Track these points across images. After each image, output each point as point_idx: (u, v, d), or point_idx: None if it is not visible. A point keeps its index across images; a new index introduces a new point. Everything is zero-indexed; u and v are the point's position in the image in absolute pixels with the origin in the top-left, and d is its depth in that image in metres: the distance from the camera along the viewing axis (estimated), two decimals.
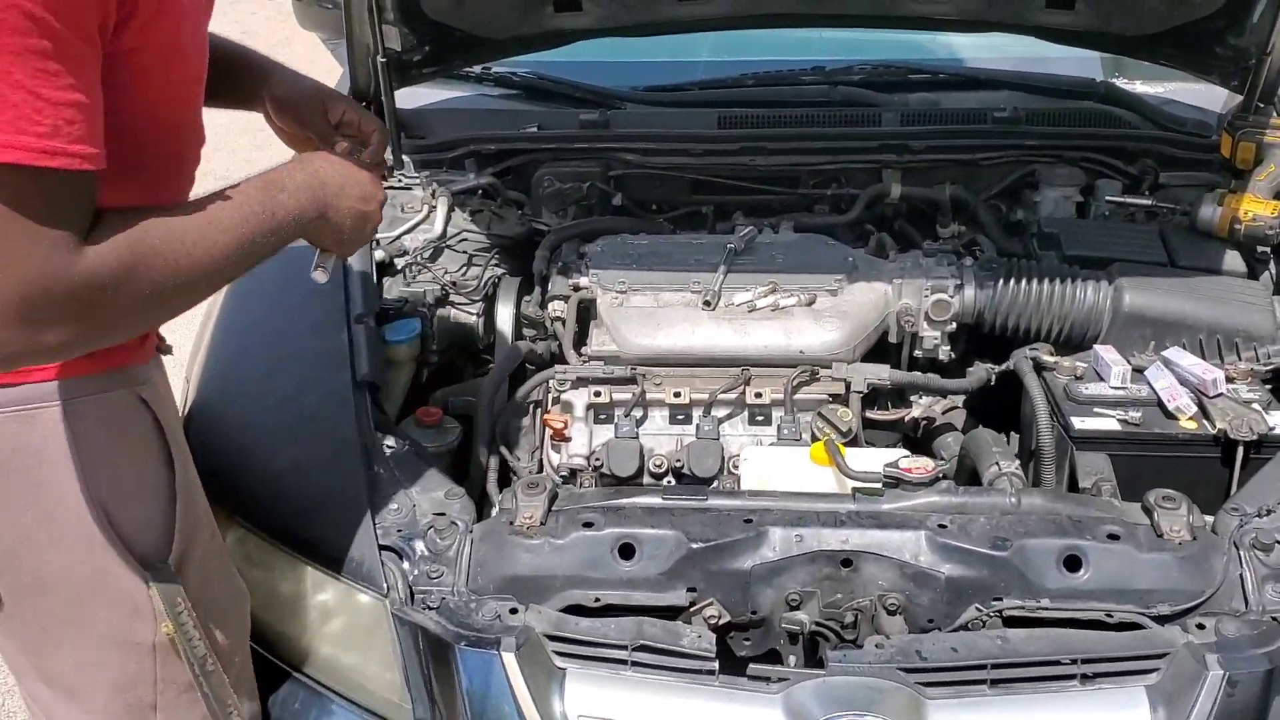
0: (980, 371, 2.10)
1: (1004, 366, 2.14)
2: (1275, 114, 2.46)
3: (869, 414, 2.02)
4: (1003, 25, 2.45)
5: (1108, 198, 2.41)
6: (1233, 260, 2.21)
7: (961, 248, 2.27)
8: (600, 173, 2.54)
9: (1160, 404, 1.89)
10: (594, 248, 2.26)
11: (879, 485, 1.70)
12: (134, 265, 1.16)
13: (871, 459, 1.79)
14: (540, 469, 2.01)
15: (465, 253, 2.35)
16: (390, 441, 1.86)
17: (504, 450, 2.00)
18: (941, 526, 1.62)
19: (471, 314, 2.26)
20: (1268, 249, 2.23)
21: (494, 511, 1.75)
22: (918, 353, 2.15)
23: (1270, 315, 2.05)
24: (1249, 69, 2.36)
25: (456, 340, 2.28)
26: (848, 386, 2.00)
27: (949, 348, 2.16)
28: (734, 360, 2.01)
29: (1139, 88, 2.73)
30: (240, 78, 1.64)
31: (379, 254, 2.26)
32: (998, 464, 1.74)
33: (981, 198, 2.57)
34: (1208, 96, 2.70)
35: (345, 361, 1.92)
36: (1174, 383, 1.90)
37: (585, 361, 2.05)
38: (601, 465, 1.95)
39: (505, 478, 2.02)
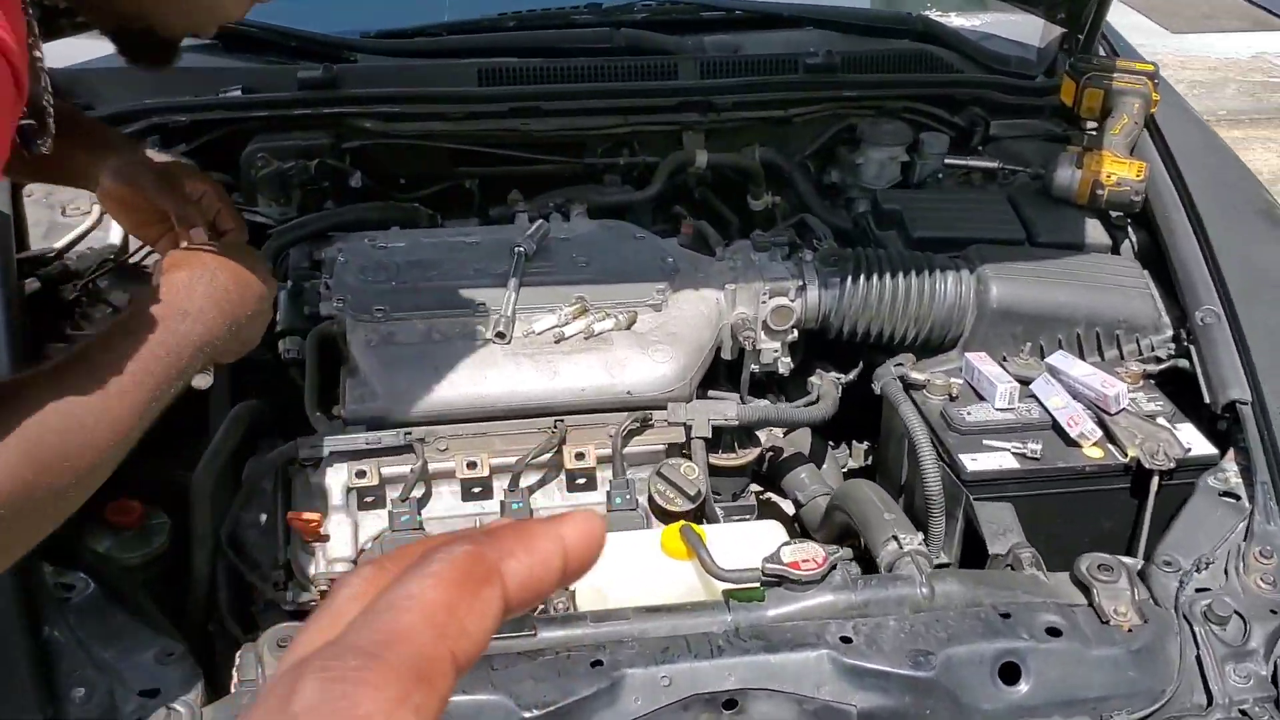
0: (830, 390, 1.72)
1: (851, 376, 1.78)
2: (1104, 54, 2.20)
3: (712, 459, 1.60)
4: None
5: (947, 160, 2.06)
6: (1094, 231, 1.92)
7: (793, 232, 1.86)
8: (330, 146, 1.99)
9: (1055, 426, 1.57)
10: (332, 253, 1.72)
11: (757, 585, 1.30)
12: (32, 482, 0.91)
13: (739, 543, 1.38)
14: (289, 582, 1.48)
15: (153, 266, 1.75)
16: (69, 579, 1.30)
17: (235, 558, 1.47)
18: (845, 640, 1.24)
19: None
20: (1126, 217, 1.95)
21: (232, 683, 1.22)
22: (754, 367, 1.75)
23: (1150, 299, 1.77)
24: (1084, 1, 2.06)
25: None
26: (688, 432, 1.57)
27: (789, 359, 1.77)
28: (543, 409, 1.54)
29: (955, 21, 2.40)
30: (72, 154, 1.23)
31: (32, 283, 1.64)
32: (896, 538, 1.37)
33: (795, 160, 2.18)
34: (1024, 29, 2.41)
35: None
36: (1069, 400, 1.59)
37: (338, 424, 1.52)
38: None
39: (241, 592, 1.49)
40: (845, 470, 1.86)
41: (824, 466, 1.78)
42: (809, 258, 1.75)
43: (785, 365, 1.76)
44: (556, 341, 1.57)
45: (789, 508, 1.77)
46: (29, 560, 1.25)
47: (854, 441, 1.90)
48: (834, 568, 1.30)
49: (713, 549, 1.34)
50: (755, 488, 1.70)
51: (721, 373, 1.77)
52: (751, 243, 1.79)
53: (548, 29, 2.17)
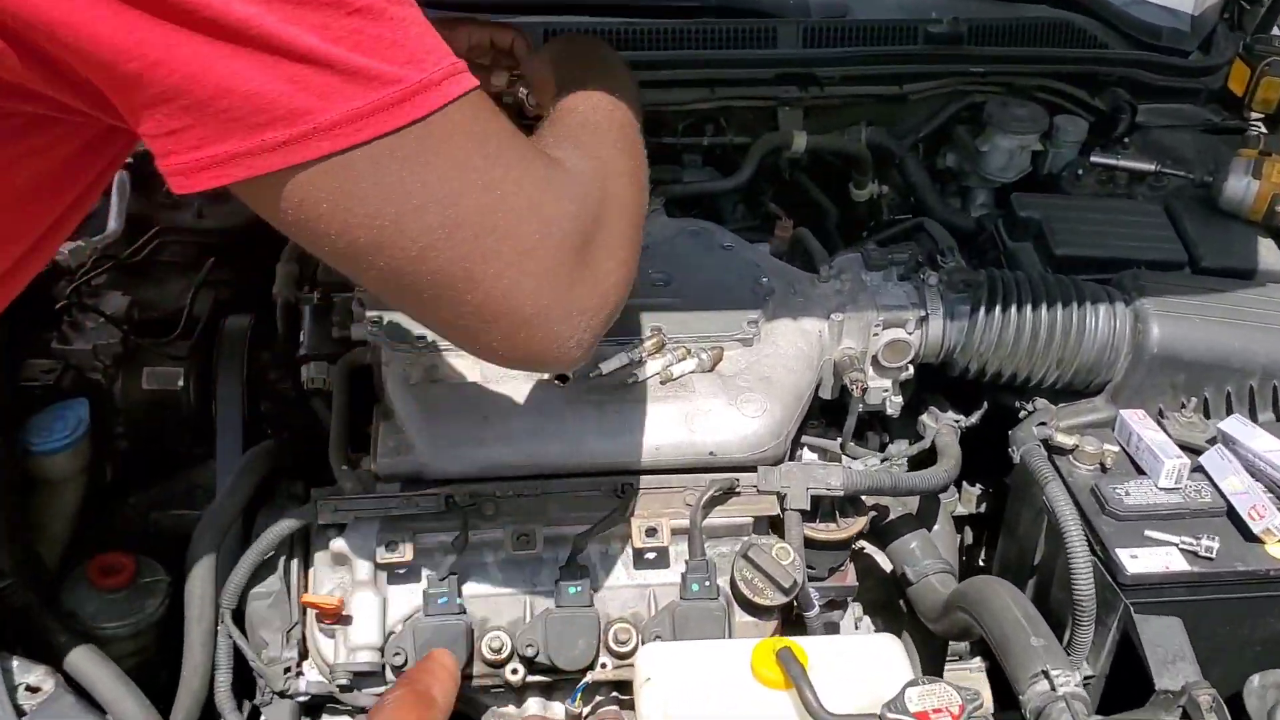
0: (950, 442, 1.45)
1: (973, 420, 1.51)
2: None
3: (808, 529, 1.34)
4: None
5: (1094, 158, 1.75)
6: (1269, 255, 1.61)
7: (916, 248, 1.57)
8: None
9: (1231, 513, 1.29)
10: None
11: None
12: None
13: (850, 667, 1.13)
14: (300, 668, 1.25)
15: (160, 263, 1.50)
16: (29, 679, 1.08)
17: (239, 640, 1.23)
18: None
19: (176, 371, 1.43)
20: None
21: None
22: (861, 391, 1.47)
23: None
24: None
25: (153, 413, 1.45)
26: (781, 502, 1.30)
27: (900, 397, 1.49)
28: (608, 469, 1.28)
29: None
30: None
31: None
32: (1047, 674, 1.10)
33: (907, 143, 1.88)
34: None
35: None
36: (1249, 483, 1.30)
37: (366, 475, 1.27)
38: (403, 661, 1.21)
39: (247, 678, 1.26)
40: (954, 514, 1.59)
41: (936, 527, 1.51)
42: (932, 280, 1.46)
43: (895, 406, 1.48)
44: (627, 386, 1.30)
45: (886, 562, 1.50)
46: None
47: (964, 483, 1.63)
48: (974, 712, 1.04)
49: (816, 672, 1.09)
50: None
51: (814, 407, 1.49)
52: (863, 259, 1.50)
53: None
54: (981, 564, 1.65)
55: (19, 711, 1.06)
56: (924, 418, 1.53)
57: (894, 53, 1.80)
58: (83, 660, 1.17)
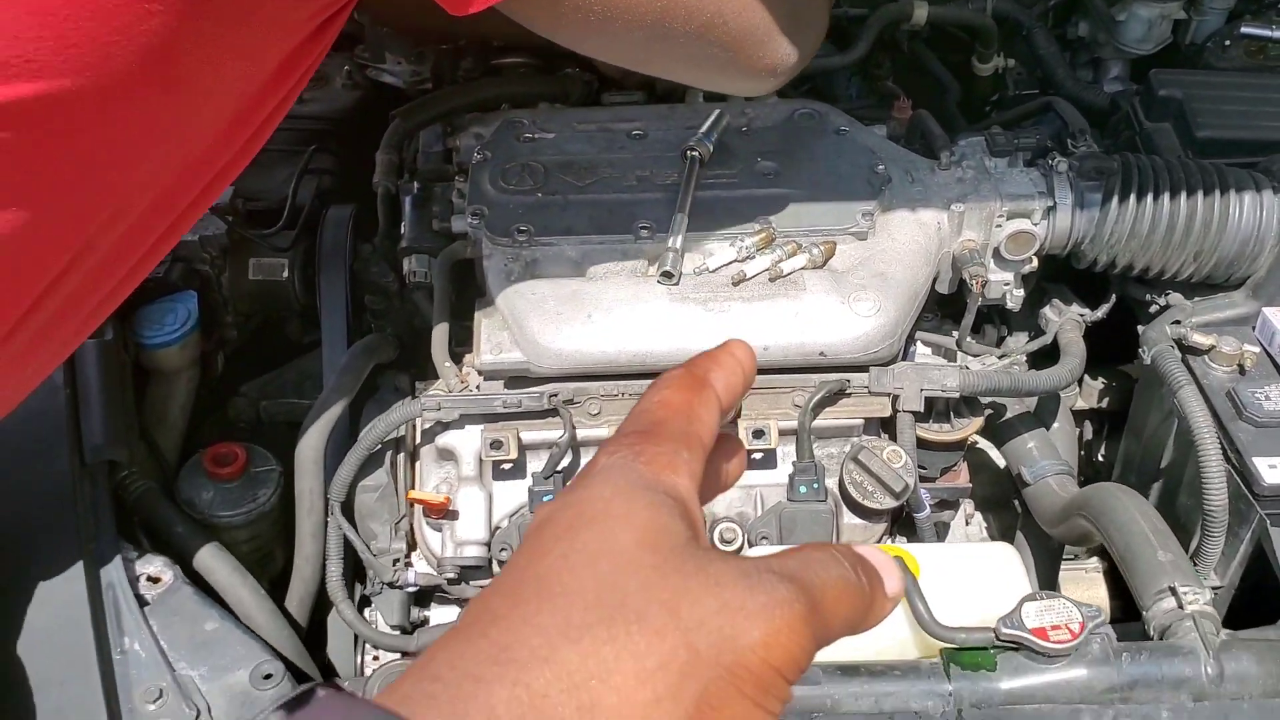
0: (1074, 338, 1.38)
1: (1100, 314, 1.43)
2: None
3: (921, 430, 1.29)
4: None
5: (1244, 28, 1.60)
6: None
7: (1044, 133, 1.47)
8: None
9: None
10: (469, 143, 1.42)
11: (987, 649, 1.01)
12: None
13: (963, 576, 1.10)
14: (409, 559, 1.26)
15: (263, 150, 1.47)
16: (150, 570, 1.11)
17: (348, 529, 1.25)
18: None
19: (281, 262, 1.43)
20: None
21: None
22: (981, 288, 1.40)
23: None
24: None
25: (260, 303, 1.46)
26: (894, 403, 1.26)
27: (1022, 290, 1.42)
28: None
29: None
30: None
31: None
32: (1174, 591, 1.05)
33: (1036, 11, 1.75)
34: None
35: (61, 432, 1.12)
36: None
37: (473, 379, 1.26)
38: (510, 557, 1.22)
39: (357, 568, 1.28)
40: (1074, 409, 1.53)
41: (1055, 424, 1.45)
42: (1062, 167, 1.37)
43: (1016, 300, 1.41)
44: (735, 283, 1.26)
45: (999, 458, 1.46)
46: (104, 559, 1.05)
47: (1086, 376, 1.56)
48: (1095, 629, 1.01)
49: (928, 582, 1.06)
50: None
51: (930, 300, 1.43)
52: (986, 143, 1.41)
53: None
54: (1101, 459, 1.59)
55: (141, 601, 1.09)
56: (1046, 310, 1.46)
57: None
58: (200, 550, 1.20)
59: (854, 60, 1.67)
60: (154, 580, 1.10)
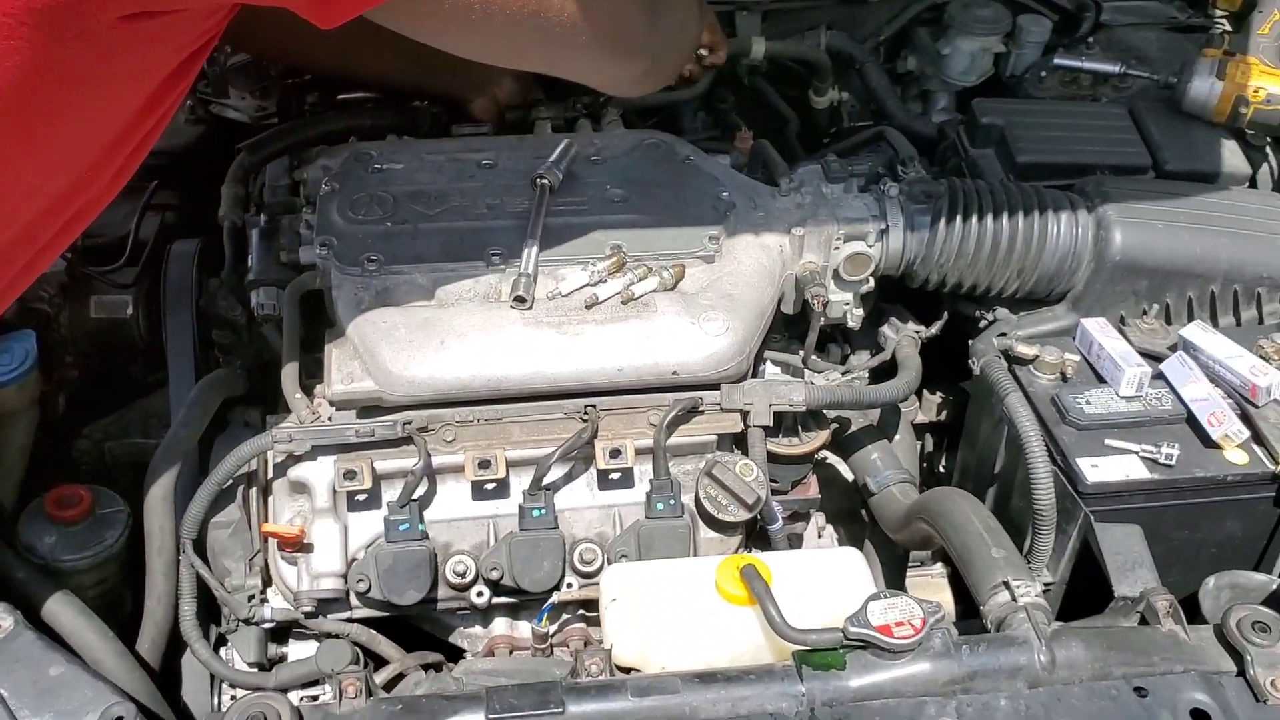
0: (910, 352, 1.45)
1: (933, 330, 1.51)
2: None
3: (770, 444, 1.34)
4: None
5: (1057, 60, 1.72)
6: (1231, 157, 1.60)
7: (876, 162, 1.54)
8: None
9: (1191, 420, 1.30)
10: (316, 174, 1.42)
11: (836, 649, 1.05)
12: None
13: (812, 582, 1.13)
14: (264, 595, 1.24)
15: None
16: None
17: (202, 569, 1.22)
18: None
19: (124, 299, 1.39)
20: (1266, 138, 1.62)
21: None
22: (822, 307, 1.46)
23: None
24: None
25: (102, 342, 1.42)
26: (745, 419, 1.30)
27: (861, 309, 1.48)
28: (570, 391, 1.27)
29: None
30: None
31: None
32: (1008, 585, 1.11)
33: (868, 47, 1.84)
34: None
35: None
36: (1209, 391, 1.31)
37: (324, 410, 1.25)
38: (367, 588, 1.21)
39: (211, 607, 1.25)
40: (915, 422, 1.60)
41: (897, 436, 1.52)
42: (893, 192, 1.44)
43: (856, 318, 1.48)
44: (588, 307, 1.28)
45: (848, 472, 1.51)
46: None
47: (924, 391, 1.63)
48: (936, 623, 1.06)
49: (779, 588, 1.09)
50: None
51: (777, 321, 1.48)
52: (823, 170, 1.47)
53: None
54: (942, 470, 1.66)
55: None
56: (884, 329, 1.53)
57: None
58: (44, 597, 1.15)
59: (698, 94, 1.73)
60: None
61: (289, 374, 1.26)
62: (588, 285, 1.30)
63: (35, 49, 0.78)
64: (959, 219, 1.42)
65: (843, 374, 1.47)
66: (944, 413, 1.63)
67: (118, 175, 0.98)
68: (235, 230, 1.41)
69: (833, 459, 1.52)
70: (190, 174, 1.52)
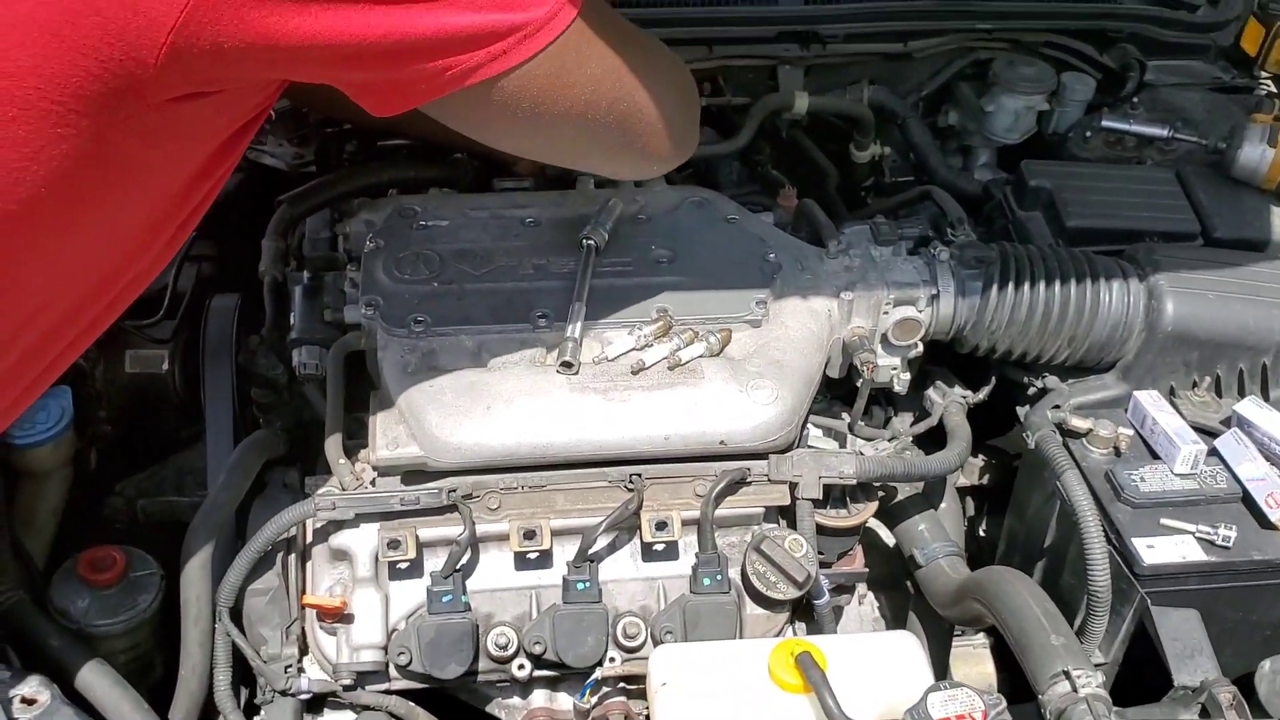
0: (959, 421, 1.42)
1: (981, 396, 1.48)
2: None
3: (818, 516, 1.31)
4: None
5: (1104, 122, 1.70)
6: None
7: (926, 224, 1.52)
8: None
9: (1247, 499, 1.27)
10: (359, 229, 1.40)
11: None
12: None
13: (868, 668, 1.11)
14: (301, 665, 1.21)
15: None
16: (25, 690, 1.04)
17: (238, 638, 1.20)
18: None
19: (160, 354, 1.37)
20: None
21: None
22: (871, 373, 1.43)
23: None
24: None
25: (137, 397, 1.40)
26: (793, 491, 1.27)
27: (909, 375, 1.46)
28: (616, 458, 1.24)
29: None
30: None
31: None
32: (1068, 675, 1.08)
33: (910, 101, 1.82)
34: None
35: None
36: (1266, 469, 1.28)
37: (367, 475, 1.22)
38: (408, 661, 1.18)
39: (247, 676, 1.23)
40: (957, 486, 1.57)
41: (943, 505, 1.49)
42: (944, 256, 1.42)
43: (903, 383, 1.45)
44: (634, 372, 1.26)
45: (889, 536, 1.48)
46: None
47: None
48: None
49: (834, 674, 1.06)
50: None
51: (819, 399, 1.45)
52: (872, 232, 1.45)
53: None
54: (983, 534, 1.64)
55: None
56: (930, 392, 1.50)
57: (899, 9, 1.73)
58: (78, 665, 1.13)
59: (737, 148, 1.71)
60: (29, 702, 1.03)
61: (331, 438, 1.24)
62: (634, 350, 1.28)
63: (84, 135, 0.77)
64: (1011, 285, 1.40)
65: (889, 439, 1.44)
66: (986, 476, 1.61)
67: (165, 250, 0.96)
68: (276, 286, 1.39)
69: (873, 522, 1.49)
70: (227, 223, 1.50)
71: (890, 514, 1.44)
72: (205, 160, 0.92)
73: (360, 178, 1.50)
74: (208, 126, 0.89)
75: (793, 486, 1.27)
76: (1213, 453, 1.32)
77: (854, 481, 1.29)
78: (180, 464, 1.40)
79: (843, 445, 1.41)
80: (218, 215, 1.52)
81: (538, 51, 0.92)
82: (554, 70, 0.96)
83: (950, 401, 1.47)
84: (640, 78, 1.11)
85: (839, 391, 1.47)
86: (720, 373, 1.27)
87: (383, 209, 1.42)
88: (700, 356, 1.29)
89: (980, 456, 1.60)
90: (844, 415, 1.43)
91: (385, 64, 0.86)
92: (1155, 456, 1.32)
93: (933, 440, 1.45)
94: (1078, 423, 1.33)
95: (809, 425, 1.40)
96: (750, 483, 1.27)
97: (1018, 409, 1.47)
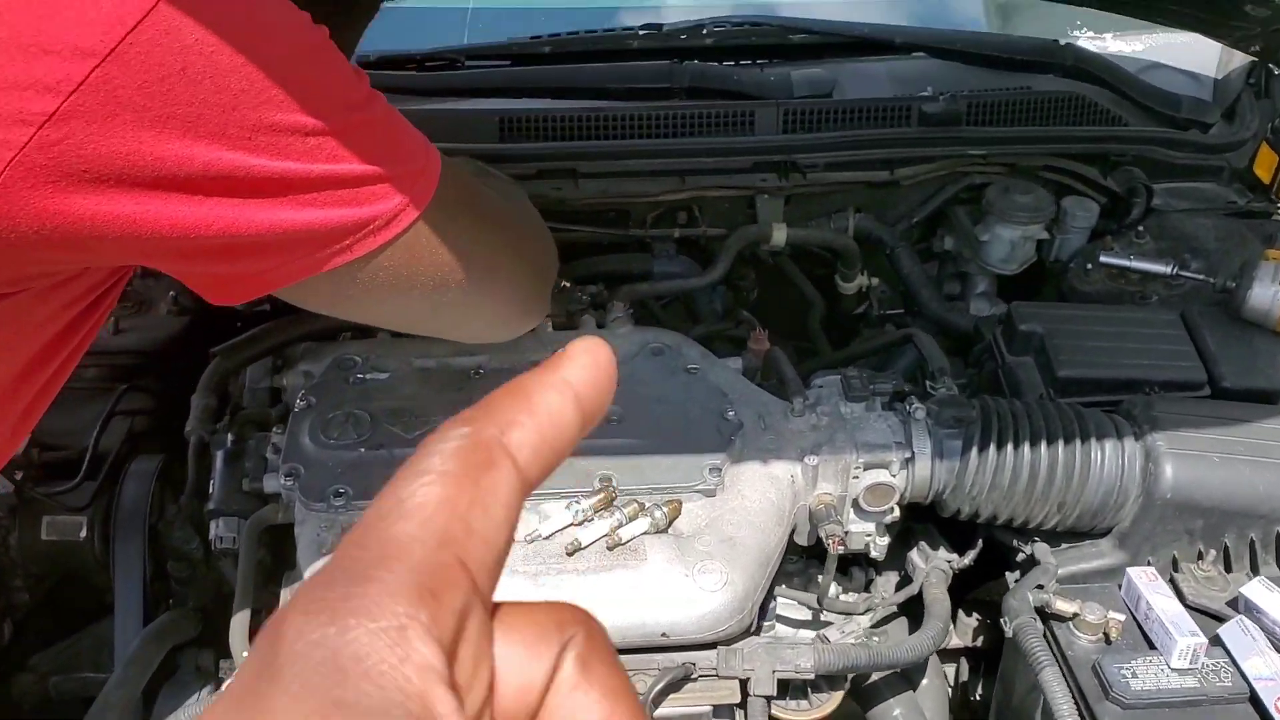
0: (940, 596, 1.30)
1: (966, 561, 1.36)
2: None
3: (777, 709, 1.19)
4: None
5: (1103, 258, 1.59)
6: None
7: (899, 380, 1.41)
8: None
9: (1254, 699, 1.14)
10: (296, 383, 1.32)
11: None
12: None
13: None
14: None
15: (70, 389, 1.36)
16: None
17: None
18: None
19: (78, 521, 1.29)
20: None
21: None
22: (839, 547, 1.33)
23: None
24: None
25: (56, 564, 1.32)
26: (744, 687, 1.16)
27: (886, 539, 1.34)
28: None
29: (1112, 45, 1.89)
30: None
31: None
32: None
33: (899, 229, 1.72)
34: (1194, 55, 1.89)
35: None
36: (1276, 664, 1.15)
37: None
38: None
39: None
40: (948, 647, 1.44)
41: (924, 681, 1.37)
42: (919, 414, 1.30)
43: (879, 549, 1.34)
44: (569, 554, 1.15)
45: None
46: None
47: (960, 613, 1.48)
48: None
49: None
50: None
51: (792, 542, 1.34)
52: (843, 385, 1.35)
53: (591, 61, 1.70)
54: (977, 698, 1.50)
55: None
56: (913, 555, 1.38)
57: (883, 137, 1.64)
58: None
59: (712, 281, 1.62)
60: None
61: (239, 621, 1.15)
62: (571, 525, 1.18)
63: None
64: (992, 447, 1.28)
65: (864, 611, 1.32)
66: (980, 638, 1.48)
67: (19, 425, 0.88)
68: (201, 446, 1.30)
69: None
70: (171, 374, 1.43)
71: (863, 696, 1.32)
72: (49, 339, 0.85)
73: (303, 325, 1.42)
74: (41, 310, 0.81)
75: (744, 682, 1.15)
76: (1216, 642, 1.18)
77: (811, 675, 1.17)
78: (98, 634, 1.31)
79: (816, 616, 1.30)
80: (157, 364, 1.47)
81: (384, 244, 0.84)
82: (403, 260, 0.89)
83: (933, 567, 1.35)
84: (496, 253, 1.07)
85: (816, 550, 1.36)
86: (664, 553, 1.17)
87: (324, 358, 1.35)
88: (644, 534, 1.18)
89: (975, 615, 1.48)
90: (819, 578, 1.32)
91: (219, 258, 0.78)
92: (1151, 645, 1.19)
93: (918, 605, 1.33)
94: (1063, 606, 1.20)
95: (775, 599, 1.29)
96: (696, 678, 1.15)
97: (1007, 574, 1.35)
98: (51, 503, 1.26)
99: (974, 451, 1.28)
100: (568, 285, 1.57)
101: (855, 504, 1.30)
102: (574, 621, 0.34)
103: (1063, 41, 1.78)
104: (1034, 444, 1.28)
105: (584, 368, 0.36)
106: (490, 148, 1.54)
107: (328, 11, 0.91)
